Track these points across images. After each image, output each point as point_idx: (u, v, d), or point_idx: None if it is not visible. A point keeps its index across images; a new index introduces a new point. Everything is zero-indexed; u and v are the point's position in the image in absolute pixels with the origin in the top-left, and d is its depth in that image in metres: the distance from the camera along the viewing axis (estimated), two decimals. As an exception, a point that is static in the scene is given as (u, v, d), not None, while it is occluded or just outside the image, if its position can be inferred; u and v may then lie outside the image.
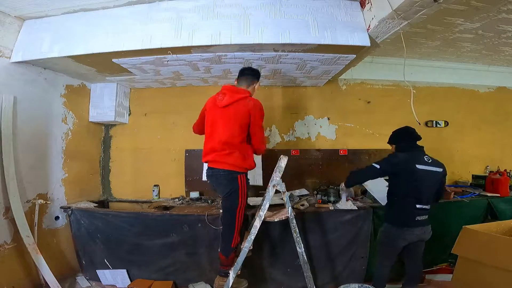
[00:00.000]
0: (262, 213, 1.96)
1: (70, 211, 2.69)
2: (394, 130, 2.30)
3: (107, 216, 2.67)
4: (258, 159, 3.27)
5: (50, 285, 2.35)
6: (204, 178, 2.44)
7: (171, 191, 3.36)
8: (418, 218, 2.04)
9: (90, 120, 3.19)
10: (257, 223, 1.96)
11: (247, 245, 1.97)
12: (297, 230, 2.03)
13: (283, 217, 2.05)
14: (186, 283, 2.58)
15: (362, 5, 2.18)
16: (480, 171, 3.67)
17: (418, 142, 2.18)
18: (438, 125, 3.67)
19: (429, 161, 2.09)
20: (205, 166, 2.21)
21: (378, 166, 2.09)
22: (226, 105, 2.01)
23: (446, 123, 3.70)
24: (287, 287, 2.57)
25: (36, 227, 2.44)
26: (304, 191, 3.16)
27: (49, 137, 2.72)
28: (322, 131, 3.53)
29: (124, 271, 2.62)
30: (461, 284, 2.12)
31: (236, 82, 2.21)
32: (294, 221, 2.01)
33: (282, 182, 1.99)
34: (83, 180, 3.12)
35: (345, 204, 2.64)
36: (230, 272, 2.00)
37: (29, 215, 2.42)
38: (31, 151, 2.52)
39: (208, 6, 2.16)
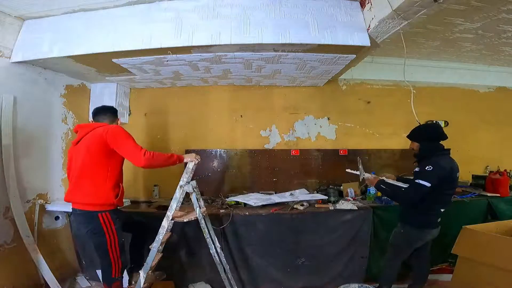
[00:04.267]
0: (169, 213, 1.99)
1: (70, 211, 2.69)
2: (421, 125, 2.15)
3: (107, 216, 2.67)
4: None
5: (50, 285, 2.35)
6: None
7: (171, 191, 3.35)
8: (439, 219, 2.08)
9: (90, 120, 3.18)
10: (164, 223, 1.99)
11: (155, 245, 1.97)
12: (207, 230, 2.09)
13: (193, 218, 2.06)
14: (186, 283, 2.58)
15: (362, 5, 2.18)
16: (480, 171, 3.67)
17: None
18: (438, 125, 3.68)
19: (456, 166, 2.03)
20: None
21: (428, 185, 1.84)
22: (77, 141, 1.93)
23: (446, 123, 3.69)
24: (286, 287, 2.57)
25: (36, 227, 2.44)
26: (304, 191, 3.16)
27: (49, 137, 2.72)
28: (322, 131, 3.52)
29: (124, 271, 2.61)
30: (461, 284, 2.12)
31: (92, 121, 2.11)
32: (203, 221, 2.06)
33: (190, 183, 2.06)
34: (83, 180, 3.12)
35: (345, 204, 2.64)
36: (140, 272, 2.00)
37: (29, 215, 2.42)
38: (31, 151, 2.52)
39: (208, 6, 2.16)
